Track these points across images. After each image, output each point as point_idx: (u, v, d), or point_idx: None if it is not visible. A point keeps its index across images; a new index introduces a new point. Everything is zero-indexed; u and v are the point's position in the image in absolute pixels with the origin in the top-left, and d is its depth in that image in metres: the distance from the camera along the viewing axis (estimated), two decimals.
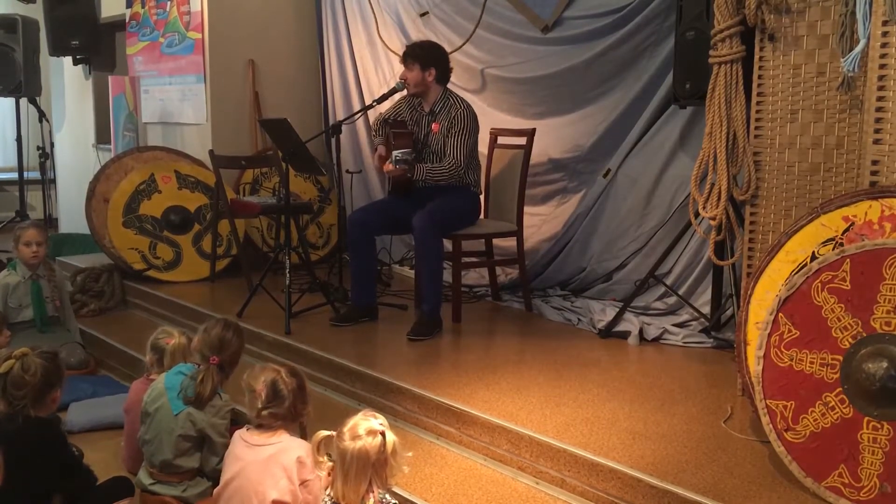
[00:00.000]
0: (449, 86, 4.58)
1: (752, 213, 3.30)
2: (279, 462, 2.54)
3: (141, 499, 2.97)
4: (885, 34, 2.76)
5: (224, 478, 2.63)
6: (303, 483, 2.54)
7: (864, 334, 2.45)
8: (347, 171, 5.47)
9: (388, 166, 4.34)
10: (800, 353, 2.56)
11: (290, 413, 2.62)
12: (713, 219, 3.41)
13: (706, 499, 2.48)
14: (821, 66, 3.06)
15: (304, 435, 2.67)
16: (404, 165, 4.29)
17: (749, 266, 3.27)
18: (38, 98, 7.12)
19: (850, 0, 2.89)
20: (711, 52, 3.32)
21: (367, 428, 2.27)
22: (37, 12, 7.16)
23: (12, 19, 6.77)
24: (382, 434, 2.27)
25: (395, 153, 4.31)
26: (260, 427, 2.63)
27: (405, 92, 4.53)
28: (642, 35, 4.43)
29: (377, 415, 2.36)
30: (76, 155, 7.68)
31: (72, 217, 7.53)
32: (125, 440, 3.35)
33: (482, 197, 4.75)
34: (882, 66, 2.77)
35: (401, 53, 4.57)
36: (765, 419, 2.60)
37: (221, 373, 2.99)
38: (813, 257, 2.72)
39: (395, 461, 2.29)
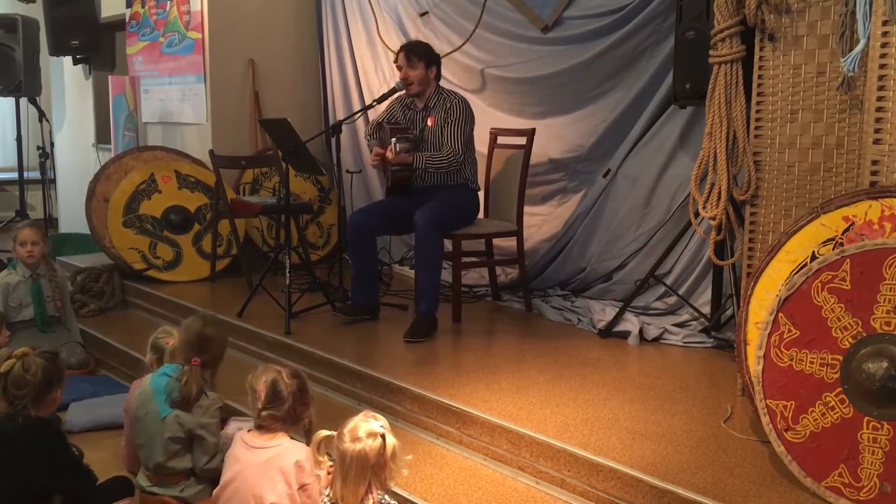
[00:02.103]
0: (450, 86, 4.58)
1: (752, 213, 3.30)
2: (277, 465, 2.52)
3: (141, 499, 2.97)
4: (885, 34, 2.76)
5: (223, 479, 2.63)
6: (301, 487, 2.52)
7: (864, 334, 2.45)
8: (347, 171, 5.47)
9: (389, 154, 4.32)
10: (800, 353, 2.56)
11: (289, 415, 2.60)
12: (713, 219, 3.41)
13: (706, 499, 2.48)
14: (821, 66, 3.06)
15: (308, 438, 2.66)
16: (406, 144, 4.28)
17: (749, 266, 3.27)
18: (38, 98, 7.11)
19: (850, 0, 2.89)
20: (711, 52, 3.32)
21: (367, 430, 2.26)
22: (37, 12, 7.16)
23: (12, 19, 6.77)
24: (383, 437, 2.26)
25: (392, 139, 4.32)
26: (260, 428, 2.62)
27: (404, 92, 4.53)
28: (642, 35, 4.43)
29: (378, 416, 2.35)
30: (76, 155, 7.68)
31: (72, 217, 7.53)
32: (125, 440, 3.35)
33: (481, 196, 4.76)
34: (882, 66, 2.77)
35: (400, 54, 4.56)
36: (765, 419, 2.60)
37: (207, 370, 2.96)
38: (813, 257, 2.72)
39: (395, 464, 2.28)
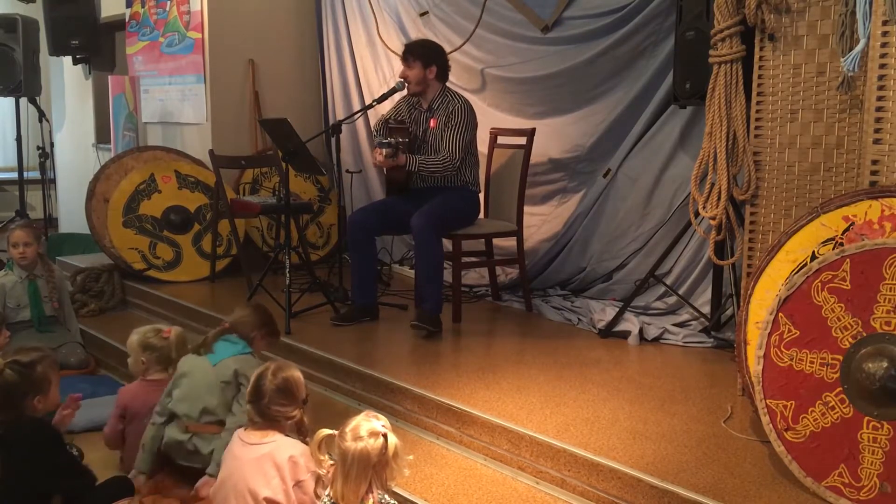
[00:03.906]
0: (449, 85, 4.58)
1: (752, 213, 3.30)
2: (272, 461, 2.53)
3: (141, 501, 2.96)
4: (885, 34, 2.76)
5: (221, 476, 2.64)
6: (297, 483, 2.53)
7: (864, 334, 2.45)
8: (347, 171, 5.47)
9: (378, 156, 4.32)
10: (800, 353, 2.56)
11: (266, 412, 2.58)
12: (713, 219, 3.41)
13: (706, 499, 2.48)
14: (821, 66, 3.06)
15: (300, 436, 2.65)
16: (388, 149, 4.28)
17: (749, 266, 3.27)
18: (38, 98, 7.11)
19: (850, 0, 2.89)
20: (711, 52, 3.32)
21: (369, 429, 2.26)
22: (37, 12, 7.16)
23: (12, 19, 6.76)
24: (384, 436, 2.26)
25: (378, 140, 4.32)
26: (253, 424, 2.62)
27: (405, 92, 4.53)
28: (642, 35, 4.43)
29: (379, 416, 2.35)
30: (76, 155, 7.68)
31: (72, 217, 7.53)
32: (112, 419, 3.33)
33: (482, 196, 4.76)
34: (882, 66, 2.77)
35: (401, 53, 4.57)
36: (765, 419, 2.60)
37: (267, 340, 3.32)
38: (813, 257, 2.72)
39: (396, 464, 2.28)
